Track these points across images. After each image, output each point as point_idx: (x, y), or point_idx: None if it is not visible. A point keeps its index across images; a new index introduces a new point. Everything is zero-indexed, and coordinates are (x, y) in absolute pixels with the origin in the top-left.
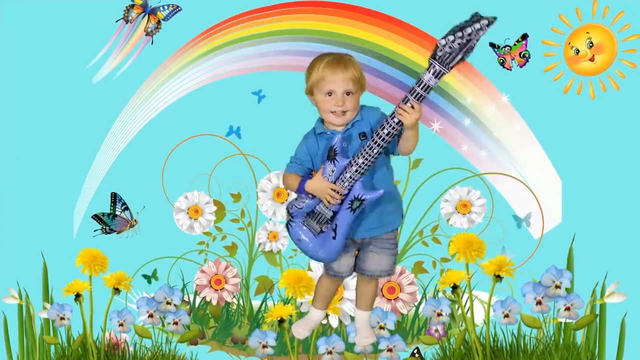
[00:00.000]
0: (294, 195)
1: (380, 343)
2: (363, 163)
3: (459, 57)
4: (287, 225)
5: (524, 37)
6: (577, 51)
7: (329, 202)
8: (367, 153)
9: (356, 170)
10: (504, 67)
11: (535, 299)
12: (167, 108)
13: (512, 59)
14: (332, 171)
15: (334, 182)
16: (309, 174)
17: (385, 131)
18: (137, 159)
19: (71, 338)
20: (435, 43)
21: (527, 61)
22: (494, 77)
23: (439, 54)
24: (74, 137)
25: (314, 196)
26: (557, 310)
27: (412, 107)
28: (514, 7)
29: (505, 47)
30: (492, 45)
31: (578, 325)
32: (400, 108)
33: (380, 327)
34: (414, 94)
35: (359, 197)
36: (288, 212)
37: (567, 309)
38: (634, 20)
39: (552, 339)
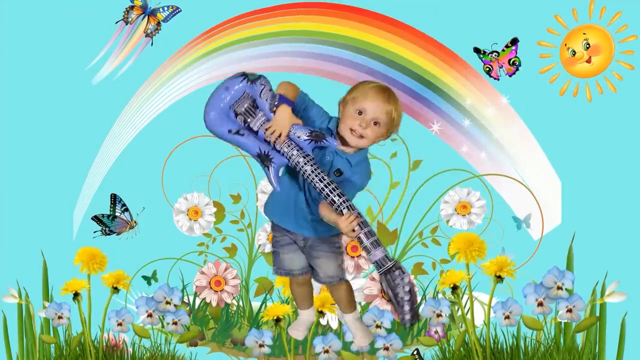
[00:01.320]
0: None
1: (377, 341)
2: (305, 172)
3: (385, 286)
4: (244, 76)
5: (514, 41)
6: (574, 52)
7: (266, 128)
8: (313, 176)
9: (296, 163)
10: (490, 75)
11: (536, 300)
12: (167, 109)
13: (499, 67)
14: (298, 137)
15: (290, 138)
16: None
17: (331, 196)
18: (137, 160)
19: (70, 337)
20: None
21: (518, 69)
22: None
23: (396, 271)
24: (74, 138)
25: (272, 110)
26: (557, 312)
27: (352, 229)
28: (508, 7)
29: (492, 52)
30: (476, 50)
31: (580, 328)
32: (350, 218)
33: (377, 326)
34: (363, 233)
35: (269, 157)
36: (258, 77)
37: (569, 310)
38: (632, 21)
39: (553, 340)
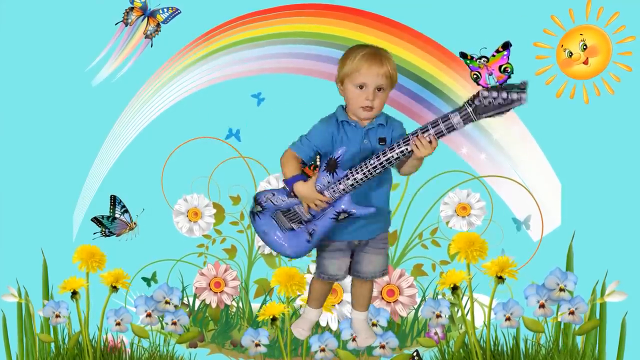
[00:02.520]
0: None
1: None
2: (361, 179)
3: (492, 113)
4: (253, 215)
5: (506, 46)
6: (571, 54)
7: (310, 208)
8: (368, 171)
9: (352, 185)
10: (478, 84)
11: (538, 302)
12: (167, 110)
13: (489, 74)
14: (328, 182)
15: (326, 189)
16: (313, 160)
17: (394, 154)
18: (136, 162)
19: (70, 336)
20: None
21: (509, 77)
22: None
23: (477, 102)
24: (73, 139)
25: (295, 196)
26: (560, 314)
27: (430, 141)
28: (503, 7)
29: (480, 58)
30: (463, 55)
31: (581, 331)
32: (418, 139)
33: (373, 324)
34: (436, 130)
35: (348, 211)
36: (258, 202)
37: (571, 312)
38: (630, 22)
39: (555, 342)
